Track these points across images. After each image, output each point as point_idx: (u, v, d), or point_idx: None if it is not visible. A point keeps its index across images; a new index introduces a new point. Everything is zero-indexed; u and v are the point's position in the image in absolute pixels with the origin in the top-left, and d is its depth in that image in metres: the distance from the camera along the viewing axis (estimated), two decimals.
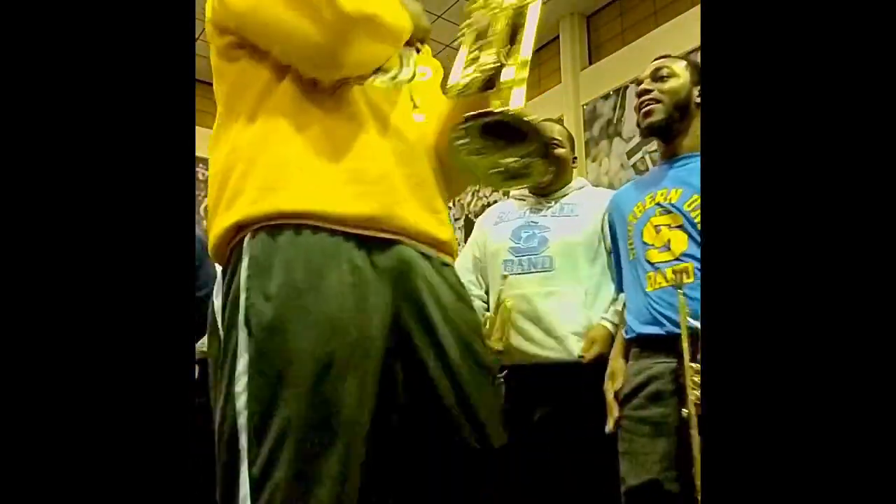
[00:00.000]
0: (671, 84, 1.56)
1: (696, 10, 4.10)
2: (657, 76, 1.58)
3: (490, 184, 0.92)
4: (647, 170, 4.82)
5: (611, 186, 5.10)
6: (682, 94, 1.55)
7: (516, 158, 0.64)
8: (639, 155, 4.92)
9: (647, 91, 1.56)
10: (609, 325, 1.63)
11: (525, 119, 0.61)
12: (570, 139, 1.89)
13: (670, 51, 5.42)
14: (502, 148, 0.64)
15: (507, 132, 0.62)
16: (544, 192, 1.77)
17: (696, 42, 3.95)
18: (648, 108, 1.56)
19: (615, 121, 5.15)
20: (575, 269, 1.66)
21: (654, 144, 4.80)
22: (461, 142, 0.63)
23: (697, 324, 1.28)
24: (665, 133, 1.57)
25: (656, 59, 1.64)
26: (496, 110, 0.61)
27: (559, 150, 1.77)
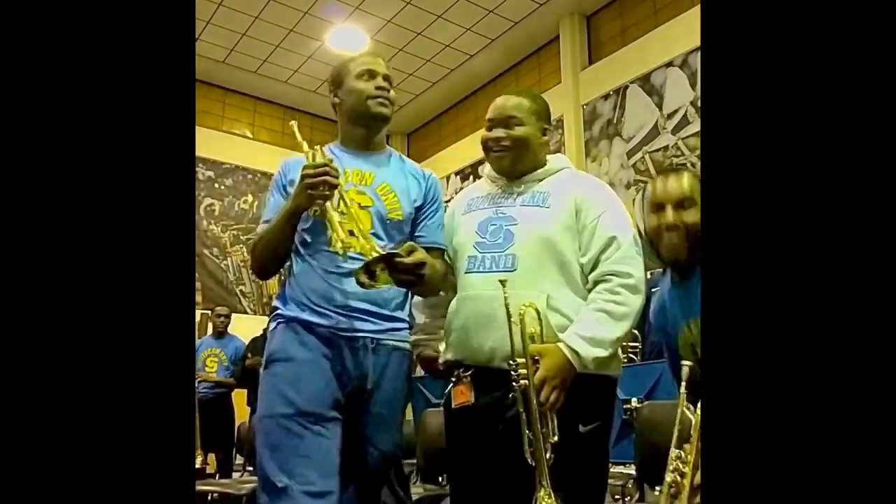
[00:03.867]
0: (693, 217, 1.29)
1: (696, 10, 4.10)
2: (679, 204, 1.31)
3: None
4: (647, 170, 4.82)
5: (610, 186, 5.09)
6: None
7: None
8: (639, 155, 4.91)
9: (673, 226, 1.29)
10: (566, 351, 1.31)
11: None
12: (542, 113, 1.56)
13: (670, 51, 5.35)
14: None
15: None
16: (515, 174, 1.53)
17: (696, 42, 3.95)
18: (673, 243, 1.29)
19: (615, 121, 5.14)
20: (538, 271, 1.40)
21: (654, 144, 4.83)
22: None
23: None
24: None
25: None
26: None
27: (517, 130, 1.48)
